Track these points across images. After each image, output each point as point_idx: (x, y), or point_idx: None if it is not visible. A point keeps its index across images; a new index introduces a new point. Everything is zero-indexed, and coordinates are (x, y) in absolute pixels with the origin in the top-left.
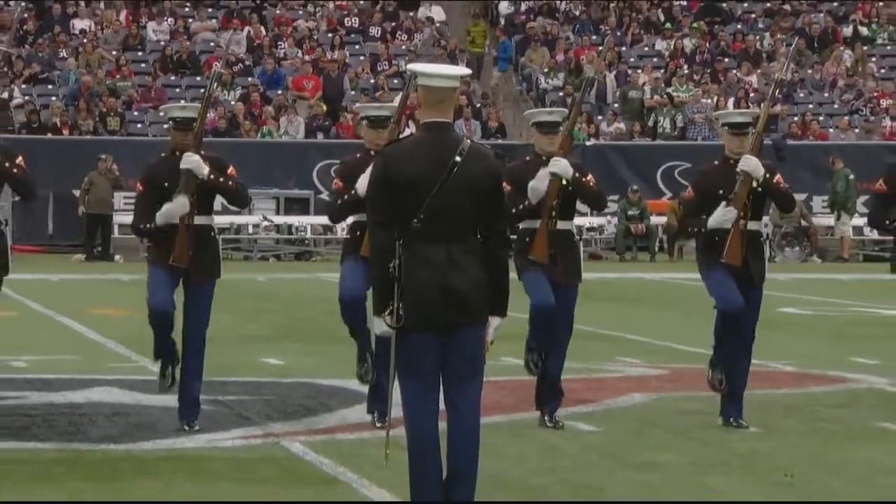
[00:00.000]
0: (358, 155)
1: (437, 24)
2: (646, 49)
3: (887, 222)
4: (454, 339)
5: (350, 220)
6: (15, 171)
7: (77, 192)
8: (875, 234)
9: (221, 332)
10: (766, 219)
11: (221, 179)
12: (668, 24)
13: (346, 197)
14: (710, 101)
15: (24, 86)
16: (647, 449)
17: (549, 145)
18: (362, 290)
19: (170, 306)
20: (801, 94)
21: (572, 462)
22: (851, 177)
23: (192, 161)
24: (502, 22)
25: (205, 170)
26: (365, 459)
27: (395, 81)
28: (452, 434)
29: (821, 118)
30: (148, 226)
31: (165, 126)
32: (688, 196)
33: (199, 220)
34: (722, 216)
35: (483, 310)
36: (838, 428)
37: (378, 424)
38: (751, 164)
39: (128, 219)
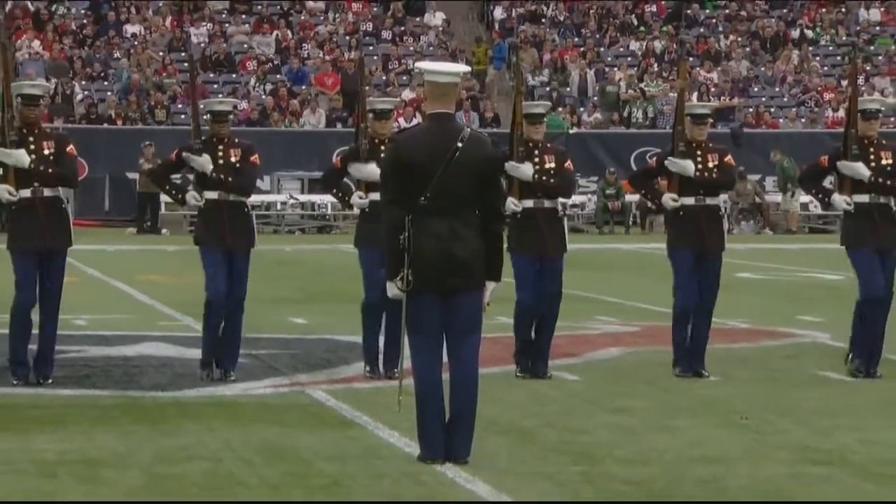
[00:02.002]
0: (365, 143)
1: (441, 28)
2: (621, 49)
3: (813, 191)
4: (456, 300)
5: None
6: (51, 171)
7: (130, 174)
8: (819, 210)
9: (254, 295)
10: (723, 196)
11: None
12: (640, 28)
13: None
14: (676, 95)
15: (83, 82)
16: (622, 395)
17: (536, 133)
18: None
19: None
20: (756, 89)
21: (558, 407)
22: (786, 164)
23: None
24: (497, 26)
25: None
26: (378, 405)
27: (404, 78)
28: (454, 382)
29: (772, 110)
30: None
31: (205, 117)
32: (652, 162)
33: (234, 197)
34: (669, 201)
35: (481, 275)
36: (787, 377)
37: (368, 375)
38: (678, 166)
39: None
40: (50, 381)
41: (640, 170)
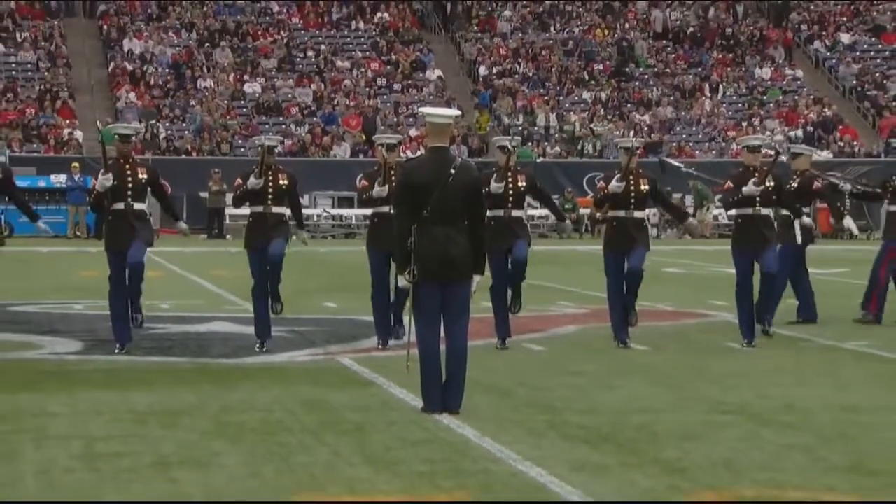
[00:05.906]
0: (376, 168)
1: (438, 81)
2: (576, 98)
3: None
4: (450, 289)
5: (369, 211)
6: (139, 190)
7: (202, 194)
8: (726, 219)
9: (296, 286)
10: (651, 210)
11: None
12: (591, 81)
13: (365, 195)
14: (618, 133)
15: (167, 124)
16: (577, 361)
17: (508, 161)
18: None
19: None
20: (678, 128)
21: (528, 370)
22: (700, 186)
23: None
24: (481, 80)
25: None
26: (391, 370)
27: (411, 120)
28: (449, 352)
29: (690, 144)
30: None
31: (258, 148)
32: (600, 187)
33: (276, 209)
34: (616, 187)
35: (469, 270)
36: (702, 347)
37: (380, 347)
38: (613, 185)
39: (235, 212)
40: (141, 322)
41: (600, 195)
